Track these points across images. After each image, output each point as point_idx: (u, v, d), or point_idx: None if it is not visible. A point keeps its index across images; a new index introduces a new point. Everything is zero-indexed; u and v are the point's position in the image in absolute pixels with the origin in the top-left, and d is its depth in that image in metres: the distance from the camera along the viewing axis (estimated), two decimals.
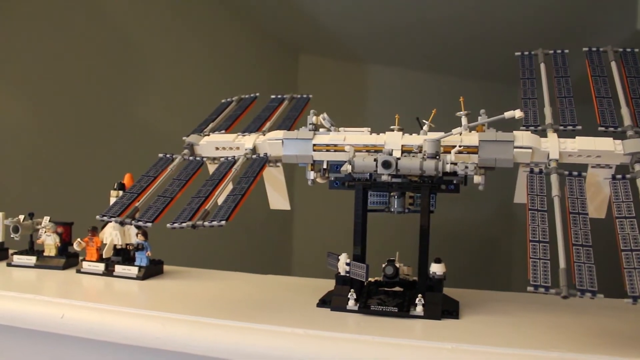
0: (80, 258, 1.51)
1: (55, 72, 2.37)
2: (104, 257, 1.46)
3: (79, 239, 1.46)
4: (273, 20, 3.22)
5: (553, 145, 1.14)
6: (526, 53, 1.36)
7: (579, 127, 1.18)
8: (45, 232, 1.52)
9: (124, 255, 1.46)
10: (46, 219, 1.55)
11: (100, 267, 1.45)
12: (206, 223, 1.04)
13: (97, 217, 1.13)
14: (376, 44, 3.33)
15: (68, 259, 1.52)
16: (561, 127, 1.19)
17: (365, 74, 3.59)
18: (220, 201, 1.14)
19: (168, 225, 1.07)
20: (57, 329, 1.16)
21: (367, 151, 1.20)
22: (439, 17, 2.93)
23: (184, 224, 1.05)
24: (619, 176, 1.08)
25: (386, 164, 1.10)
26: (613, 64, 1.28)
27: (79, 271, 1.47)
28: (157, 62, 2.69)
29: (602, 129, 1.17)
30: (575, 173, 1.10)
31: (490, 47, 3.05)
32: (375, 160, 1.11)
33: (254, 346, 1.02)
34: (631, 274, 0.93)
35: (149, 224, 1.09)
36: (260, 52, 3.32)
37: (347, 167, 1.14)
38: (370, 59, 3.54)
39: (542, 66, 1.32)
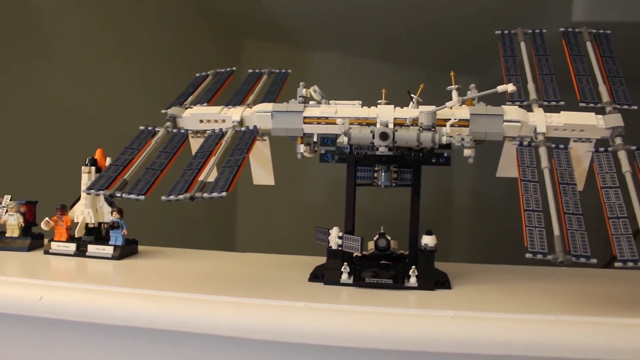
0: (47, 239, 1.42)
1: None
2: (75, 236, 1.38)
3: (47, 218, 1.37)
4: (215, 2, 3.12)
5: (540, 120, 1.17)
6: (506, 32, 1.40)
7: (562, 103, 1.22)
8: (7, 211, 1.41)
9: (97, 234, 1.39)
10: (7, 197, 1.44)
11: (72, 247, 1.36)
12: (205, 195, 1.00)
13: (84, 190, 1.06)
14: (321, 30, 3.31)
15: (33, 239, 1.42)
16: (545, 103, 1.23)
17: (309, 60, 3.57)
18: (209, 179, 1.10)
19: (163, 197, 1.02)
20: (35, 312, 1.08)
21: (359, 124, 1.19)
22: (385, 5, 2.95)
23: (180, 196, 1.01)
24: (601, 149, 1.14)
25: (384, 136, 1.10)
26: (588, 44, 1.34)
27: (47, 252, 1.38)
28: (91, 40, 2.53)
29: (583, 104, 1.22)
30: (561, 146, 1.14)
31: (433, 36, 3.12)
32: (372, 132, 1.11)
33: (256, 321, 0.99)
34: (619, 239, 0.98)
35: (142, 197, 1.04)
36: (202, 35, 3.21)
37: (343, 139, 1.13)
38: (314, 45, 3.53)
39: (522, 44, 1.36)
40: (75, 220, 1.39)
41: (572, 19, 2.78)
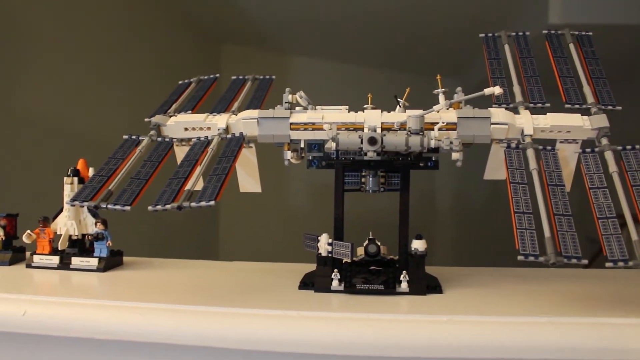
0: (29, 252, 1.38)
1: None
2: (58, 249, 1.34)
3: (28, 231, 1.33)
4: (195, 8, 3.10)
5: (527, 122, 1.18)
6: (490, 35, 1.40)
7: (548, 105, 1.23)
8: None
9: (81, 246, 1.36)
10: None
11: (55, 260, 1.33)
12: (193, 204, 0.98)
13: (67, 202, 1.04)
14: (303, 35, 3.31)
15: (14, 253, 1.38)
16: (531, 105, 1.23)
17: (289, 65, 3.57)
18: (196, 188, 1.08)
19: (150, 207, 1.00)
20: (19, 328, 1.05)
21: (347, 129, 1.18)
22: (367, 10, 2.96)
23: (167, 206, 0.98)
24: (588, 149, 1.14)
25: (372, 141, 1.09)
26: (571, 46, 1.35)
27: (29, 266, 1.34)
28: (71, 49, 2.49)
29: (569, 106, 1.23)
30: (549, 147, 1.15)
31: (416, 40, 3.14)
32: (360, 137, 1.10)
33: (247, 331, 0.98)
34: (609, 239, 0.98)
35: (127, 208, 1.01)
36: (181, 41, 3.18)
37: (331, 145, 1.12)
38: (296, 50, 3.52)
39: (507, 47, 1.37)
40: (58, 233, 1.35)
41: (549, 21, 2.82)
